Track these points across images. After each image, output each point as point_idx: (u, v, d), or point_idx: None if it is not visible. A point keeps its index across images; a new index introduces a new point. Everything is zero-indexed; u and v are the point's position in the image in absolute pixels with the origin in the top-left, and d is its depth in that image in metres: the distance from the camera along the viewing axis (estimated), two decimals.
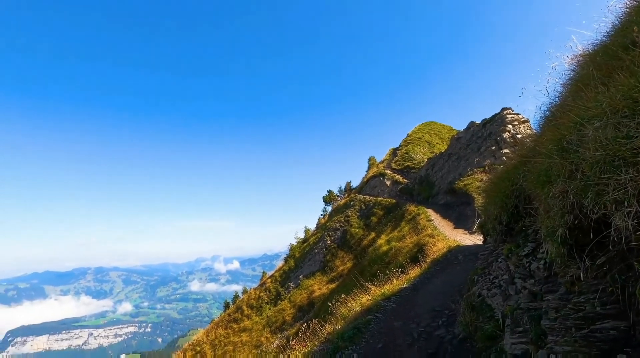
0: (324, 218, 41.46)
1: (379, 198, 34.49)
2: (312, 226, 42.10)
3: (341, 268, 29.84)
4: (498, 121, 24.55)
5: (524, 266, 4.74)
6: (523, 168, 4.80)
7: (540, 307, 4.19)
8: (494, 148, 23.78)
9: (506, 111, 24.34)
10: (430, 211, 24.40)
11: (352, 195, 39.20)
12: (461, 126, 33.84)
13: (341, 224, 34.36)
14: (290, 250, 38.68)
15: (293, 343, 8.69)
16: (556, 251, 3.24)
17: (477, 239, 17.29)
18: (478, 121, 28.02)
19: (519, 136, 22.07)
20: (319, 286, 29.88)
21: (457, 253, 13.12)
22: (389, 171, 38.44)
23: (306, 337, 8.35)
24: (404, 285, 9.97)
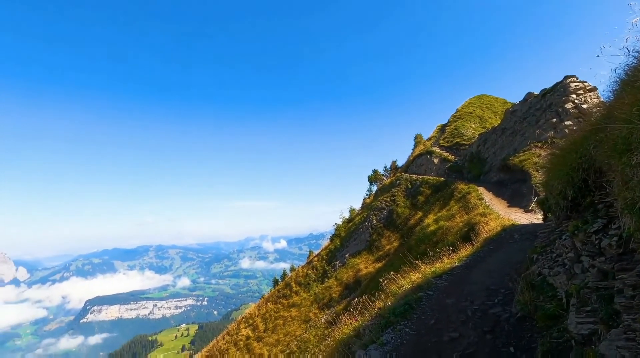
0: (369, 197, 41.26)
1: (426, 177, 33.57)
2: (357, 206, 42.16)
3: (387, 247, 29.76)
4: (560, 90, 22.51)
5: (593, 243, 4.42)
6: (594, 138, 4.41)
7: (611, 286, 3.92)
8: (554, 120, 21.96)
9: (570, 79, 22.20)
10: (481, 190, 23.36)
11: (398, 174, 38.45)
12: (516, 98, 31.56)
13: (387, 203, 34.02)
14: (336, 230, 39.14)
15: (343, 318, 8.91)
16: (635, 226, 2.98)
17: (533, 218, 16.35)
18: (536, 92, 25.94)
19: (584, 106, 20.17)
20: (365, 265, 30.12)
21: (512, 232, 12.52)
22: (436, 149, 37.07)
23: (357, 311, 8.53)
24: (456, 264, 9.75)
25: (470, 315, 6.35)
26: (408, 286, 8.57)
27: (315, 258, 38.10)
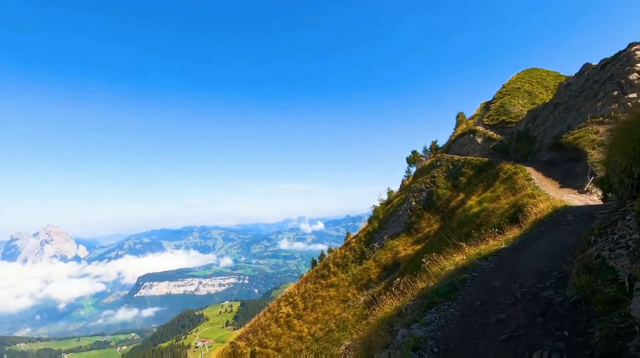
0: (407, 179, 40.45)
1: (469, 157, 32.24)
2: (395, 188, 41.52)
3: (427, 229, 29.21)
4: (623, 60, 20.44)
5: None
6: None
7: None
8: (616, 92, 20.06)
9: (635, 47, 20.03)
10: (529, 170, 22.10)
11: (439, 155, 37.22)
12: (571, 71, 29.13)
13: (427, 185, 33.20)
14: (374, 212, 38.92)
15: (384, 297, 8.93)
16: None
17: (589, 199, 15.30)
18: (594, 63, 23.74)
19: None
20: (404, 247, 29.84)
21: (565, 213, 11.78)
22: (480, 128, 35.30)
23: (398, 292, 8.50)
24: (502, 246, 9.37)
25: (520, 297, 6.11)
26: (451, 267, 8.38)
27: (353, 240, 38.27)
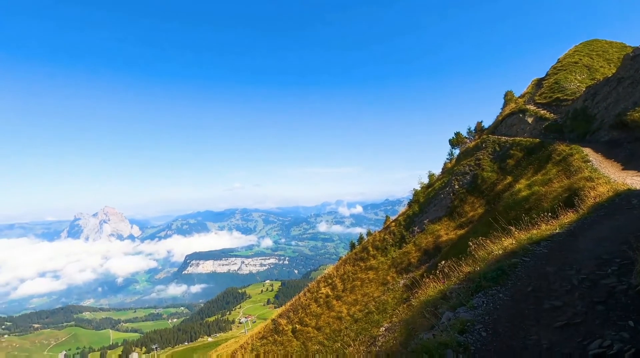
0: (450, 162, 39.02)
1: (518, 138, 30.39)
2: (436, 171, 40.30)
3: (471, 213, 28.21)
4: None
5: None
6: None
7: None
8: None
9: None
10: (587, 151, 20.46)
11: (484, 136, 35.42)
12: (639, 41, 26.21)
13: (471, 168, 31.86)
14: (414, 195, 38.13)
15: (427, 280, 8.80)
16: None
17: None
18: None
19: None
20: (445, 232, 29.11)
21: (629, 197, 10.83)
22: (531, 106, 32.97)
23: (442, 275, 8.33)
24: (556, 231, 8.82)
25: (577, 284, 5.76)
26: (499, 252, 8.04)
27: (393, 224, 37.89)
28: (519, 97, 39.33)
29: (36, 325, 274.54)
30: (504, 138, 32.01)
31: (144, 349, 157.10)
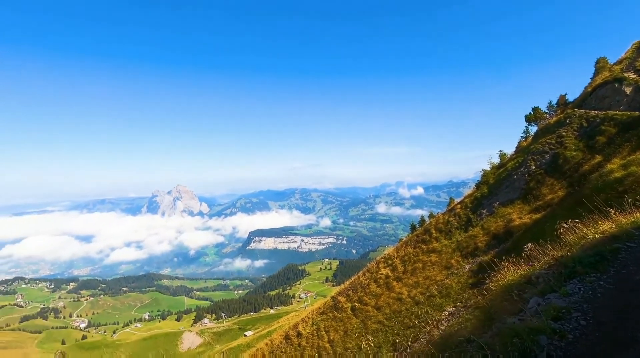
0: (525, 140, 35.61)
1: (611, 112, 26.68)
2: (508, 150, 37.10)
3: (549, 196, 25.74)
4: None
5: None
6: None
7: None
8: None
9: None
10: None
11: (569, 110, 31.60)
12: None
13: (551, 146, 28.81)
14: (483, 176, 35.70)
15: (507, 264, 8.15)
16: None
17: None
18: None
19: None
20: (518, 215, 27.00)
21: None
22: (630, 74, 28.49)
23: (526, 258, 7.65)
24: None
25: None
26: (596, 236, 7.14)
27: (458, 206, 36.08)
28: (614, 64, 34.11)
29: (125, 288, 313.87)
30: (593, 112, 28.32)
31: (214, 316, 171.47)
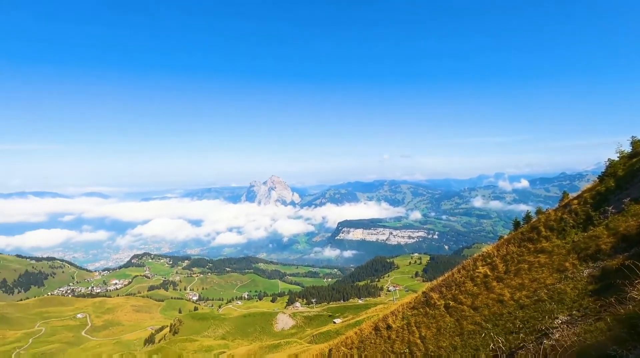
0: None
1: None
2: None
3: None
4: None
5: None
6: None
7: None
8: None
9: None
10: None
11: None
12: None
13: None
14: (610, 166, 30.40)
15: None
16: None
17: None
18: None
19: None
20: None
21: None
22: None
23: None
24: None
25: None
26: None
27: (575, 201, 31.44)
28: None
29: (227, 269, 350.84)
30: None
31: (304, 300, 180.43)
